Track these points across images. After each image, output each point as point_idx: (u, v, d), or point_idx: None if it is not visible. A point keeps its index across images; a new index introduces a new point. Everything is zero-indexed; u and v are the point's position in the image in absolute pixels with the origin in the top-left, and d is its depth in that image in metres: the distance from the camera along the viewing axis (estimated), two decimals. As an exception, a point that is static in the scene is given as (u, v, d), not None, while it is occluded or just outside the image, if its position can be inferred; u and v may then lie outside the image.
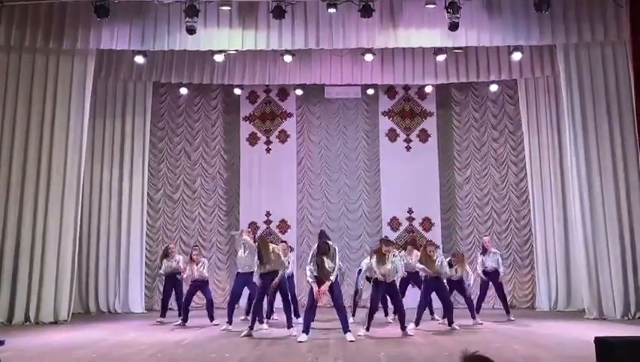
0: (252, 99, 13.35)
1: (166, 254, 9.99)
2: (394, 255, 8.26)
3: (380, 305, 9.27)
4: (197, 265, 9.60)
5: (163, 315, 9.85)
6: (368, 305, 8.27)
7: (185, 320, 9.41)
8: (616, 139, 10.09)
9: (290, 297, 8.83)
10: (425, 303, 8.88)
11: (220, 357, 6.33)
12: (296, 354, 6.53)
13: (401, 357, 6.27)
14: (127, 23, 9.94)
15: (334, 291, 7.69)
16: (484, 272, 9.94)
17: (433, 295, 9.07)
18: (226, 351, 6.69)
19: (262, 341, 7.58)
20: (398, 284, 8.40)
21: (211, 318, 9.50)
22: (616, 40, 10.09)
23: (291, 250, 12.45)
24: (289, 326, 8.18)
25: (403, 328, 7.99)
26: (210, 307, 9.61)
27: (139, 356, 6.46)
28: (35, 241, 9.88)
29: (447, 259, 9.19)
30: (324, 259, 7.59)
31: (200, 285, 9.62)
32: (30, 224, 9.90)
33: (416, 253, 9.62)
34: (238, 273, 9.00)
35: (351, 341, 7.30)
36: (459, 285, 9.32)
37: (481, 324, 9.10)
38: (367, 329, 8.02)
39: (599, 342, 4.58)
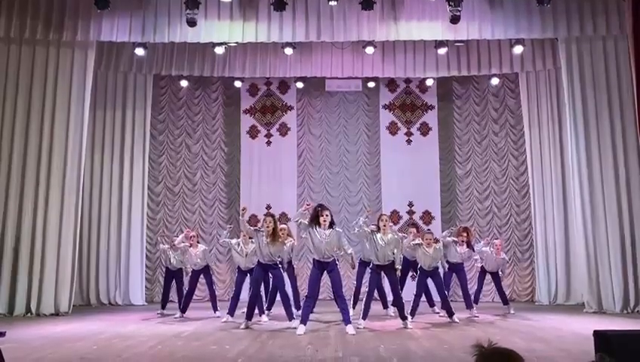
0: (252, 91, 13.33)
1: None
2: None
3: (378, 297, 9.31)
4: (195, 248, 9.55)
5: (164, 307, 9.88)
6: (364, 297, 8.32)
7: (183, 311, 9.44)
8: (617, 133, 10.08)
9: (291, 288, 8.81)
10: (420, 292, 8.88)
11: (220, 349, 6.35)
12: (296, 346, 6.54)
13: (401, 350, 6.29)
14: (127, 14, 9.90)
15: (335, 281, 7.70)
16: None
17: (432, 287, 9.10)
18: (226, 343, 6.71)
19: (262, 333, 7.60)
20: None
21: (215, 309, 9.52)
22: (618, 33, 10.05)
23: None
24: (289, 318, 8.19)
25: (403, 317, 8.00)
26: (213, 297, 9.61)
27: (139, 348, 6.48)
28: (35, 233, 9.89)
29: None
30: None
31: (200, 271, 9.58)
32: (31, 216, 9.91)
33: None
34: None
35: (352, 334, 7.32)
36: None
37: (477, 317, 9.13)
38: (364, 317, 8.05)
39: (598, 335, 4.58)
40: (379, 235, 8.00)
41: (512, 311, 9.69)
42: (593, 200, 10.07)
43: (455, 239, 9.42)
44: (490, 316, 9.34)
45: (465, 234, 9.53)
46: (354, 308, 9.32)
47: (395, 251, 8.06)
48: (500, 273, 10.03)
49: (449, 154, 13.03)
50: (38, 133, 10.07)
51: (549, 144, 11.68)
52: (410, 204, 12.88)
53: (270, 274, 8.51)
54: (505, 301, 9.90)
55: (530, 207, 11.97)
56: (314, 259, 7.77)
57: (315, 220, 7.60)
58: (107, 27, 9.96)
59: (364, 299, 8.24)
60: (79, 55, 10.29)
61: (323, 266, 7.64)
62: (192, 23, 9.48)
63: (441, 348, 6.45)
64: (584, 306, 10.08)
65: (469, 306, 9.32)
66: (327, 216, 7.60)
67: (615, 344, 4.25)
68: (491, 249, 9.81)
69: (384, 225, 8.05)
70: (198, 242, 9.80)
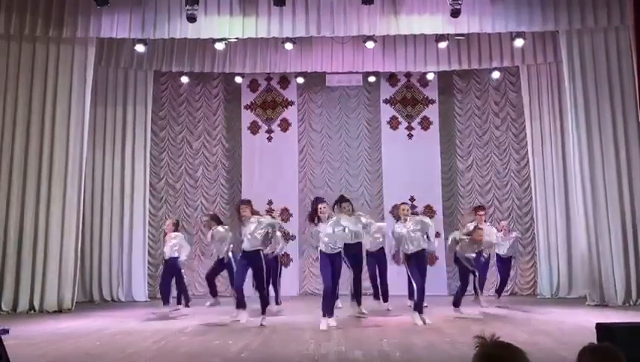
0: (253, 87, 13.31)
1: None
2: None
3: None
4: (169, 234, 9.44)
5: (166, 303, 9.88)
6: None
7: (186, 304, 9.44)
8: (619, 126, 10.05)
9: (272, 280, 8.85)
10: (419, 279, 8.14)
11: (223, 344, 6.38)
12: (298, 340, 6.57)
13: (403, 343, 6.30)
14: (127, 10, 9.89)
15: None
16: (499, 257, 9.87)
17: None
18: (229, 338, 6.73)
19: (264, 328, 7.62)
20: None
21: (184, 303, 9.55)
22: (620, 25, 10.01)
23: (292, 238, 12.46)
24: (277, 302, 8.18)
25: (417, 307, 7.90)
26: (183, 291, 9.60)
27: (143, 343, 6.51)
28: (38, 230, 9.91)
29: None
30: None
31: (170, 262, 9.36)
32: (33, 213, 9.92)
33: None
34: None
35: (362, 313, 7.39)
36: None
37: (487, 306, 9.08)
38: (359, 303, 8.10)
39: (600, 327, 4.60)
40: (401, 225, 7.94)
41: (486, 304, 9.13)
42: (595, 193, 10.05)
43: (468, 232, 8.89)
44: (491, 308, 9.32)
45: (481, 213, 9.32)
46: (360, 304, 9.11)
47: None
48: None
49: (450, 148, 13.00)
50: (39, 130, 10.07)
51: (550, 137, 11.66)
52: (412, 199, 12.83)
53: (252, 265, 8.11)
54: (499, 292, 9.82)
55: (532, 201, 11.96)
56: (321, 251, 7.68)
57: (315, 218, 7.66)
58: (107, 23, 9.95)
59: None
60: (79, 52, 10.28)
61: (332, 258, 7.68)
62: (191, 18, 9.46)
63: (443, 341, 6.47)
64: (586, 299, 10.08)
65: (480, 288, 9.06)
66: (323, 207, 7.68)
67: (617, 336, 4.26)
68: (500, 233, 9.69)
69: (405, 214, 7.99)
70: (176, 230, 9.60)
